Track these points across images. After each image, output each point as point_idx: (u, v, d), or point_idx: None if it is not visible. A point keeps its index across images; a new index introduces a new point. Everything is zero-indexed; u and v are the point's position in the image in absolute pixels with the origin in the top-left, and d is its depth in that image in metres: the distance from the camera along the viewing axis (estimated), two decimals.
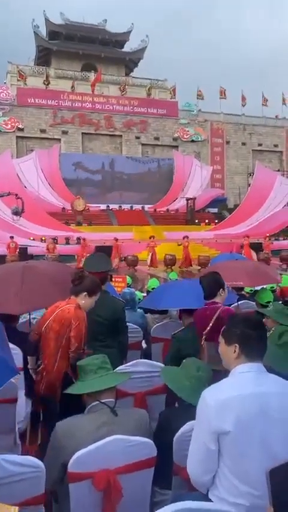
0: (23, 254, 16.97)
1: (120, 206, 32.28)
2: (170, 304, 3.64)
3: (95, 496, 1.83)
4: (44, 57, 41.44)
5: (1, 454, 1.78)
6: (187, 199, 30.13)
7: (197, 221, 28.94)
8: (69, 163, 32.88)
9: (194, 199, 29.87)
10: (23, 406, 3.28)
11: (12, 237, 17.67)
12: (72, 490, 1.81)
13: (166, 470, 2.09)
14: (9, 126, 33.17)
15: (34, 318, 4.14)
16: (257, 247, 19.80)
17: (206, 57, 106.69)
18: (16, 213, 15.51)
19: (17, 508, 1.08)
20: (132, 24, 43.50)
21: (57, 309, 2.83)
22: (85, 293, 2.86)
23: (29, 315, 4.01)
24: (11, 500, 1.63)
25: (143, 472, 1.92)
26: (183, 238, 18.32)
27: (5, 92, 33.69)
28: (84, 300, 2.85)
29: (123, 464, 1.85)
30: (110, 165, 34.77)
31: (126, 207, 32.27)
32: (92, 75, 37.60)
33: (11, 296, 3.22)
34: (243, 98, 39.58)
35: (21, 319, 3.93)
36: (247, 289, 5.76)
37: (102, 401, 1.98)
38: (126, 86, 37.65)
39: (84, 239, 18.74)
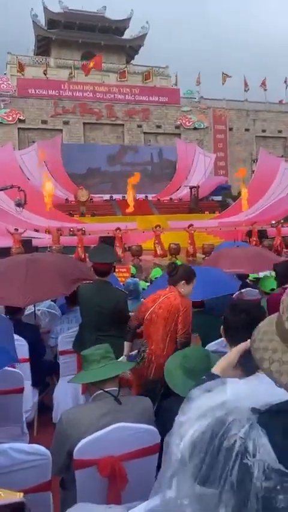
0: (28, 246, 17.01)
1: (124, 196, 32.17)
2: None
3: (100, 482, 1.87)
4: (43, 46, 41.01)
5: (8, 443, 1.83)
6: (190, 188, 29.98)
7: (201, 209, 28.82)
8: (71, 154, 32.74)
9: (197, 187, 29.71)
10: (29, 396, 3.34)
11: (16, 229, 17.73)
12: (78, 476, 1.86)
13: None
14: (10, 118, 33.04)
15: (39, 310, 4.19)
16: (261, 234, 19.73)
17: (207, 43, 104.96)
18: (19, 204, 15.56)
19: (22, 493, 1.11)
20: (132, 10, 42.87)
21: (160, 297, 2.98)
22: (183, 281, 3.00)
23: (34, 306, 4.05)
24: (19, 487, 1.67)
25: (148, 458, 1.96)
26: (188, 226, 18.27)
27: (5, 83, 33.50)
28: (183, 288, 3.00)
29: (127, 451, 1.89)
30: (113, 155, 34.56)
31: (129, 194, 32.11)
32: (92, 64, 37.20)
33: (15, 289, 3.25)
34: (246, 84, 39.07)
35: (27, 311, 3.97)
36: (251, 276, 5.77)
37: (106, 390, 2.01)
38: (128, 74, 37.22)
39: (80, 230, 18.72)
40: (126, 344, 3.12)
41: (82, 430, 1.89)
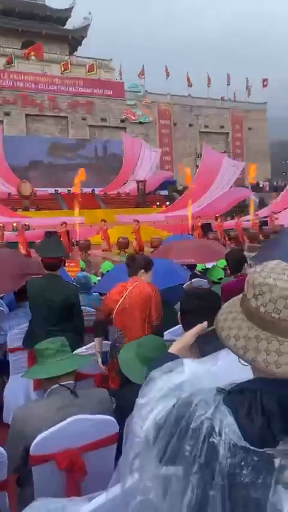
0: None
1: (69, 190, 31.57)
2: None
3: (58, 476, 1.85)
4: None
5: None
6: (137, 182, 30.12)
7: (148, 204, 29.06)
8: (13, 146, 31.52)
9: (144, 181, 29.91)
10: None
11: None
12: (35, 472, 1.82)
13: None
14: None
15: None
16: (206, 227, 20.29)
17: (152, 37, 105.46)
18: None
19: None
20: (74, 0, 41.93)
21: (127, 288, 3.02)
22: (142, 270, 3.12)
23: None
24: None
25: (107, 448, 1.96)
26: (134, 221, 18.35)
27: None
28: (143, 277, 3.11)
29: (86, 443, 1.88)
30: (57, 148, 33.78)
31: (75, 189, 31.59)
32: (33, 53, 35.98)
33: None
34: (188, 79, 39.81)
35: None
36: (199, 267, 5.93)
37: (62, 383, 1.98)
38: (71, 66, 36.44)
39: (23, 225, 18.19)
40: (97, 340, 3.09)
41: (37, 425, 1.85)
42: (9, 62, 33.36)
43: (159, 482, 0.91)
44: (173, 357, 1.19)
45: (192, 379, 1.00)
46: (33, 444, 1.78)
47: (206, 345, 1.20)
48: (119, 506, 1.02)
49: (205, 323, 1.30)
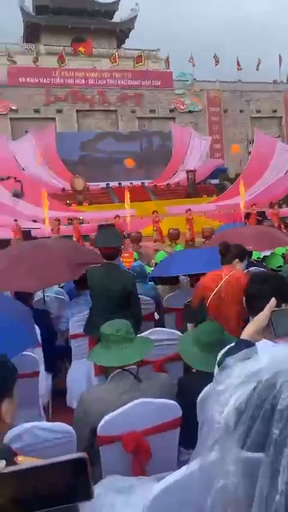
0: (27, 237, 16.97)
1: (120, 183, 31.97)
2: (180, 270, 3.67)
3: (124, 458, 1.90)
4: (32, 33, 40.21)
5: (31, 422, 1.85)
6: (187, 172, 29.78)
7: (198, 193, 28.69)
8: (66, 143, 32.41)
9: (194, 171, 29.51)
10: (43, 381, 3.36)
11: (16, 221, 17.68)
12: (103, 452, 1.89)
13: (190, 431, 2.16)
14: (2, 108, 32.60)
15: (47, 296, 4.20)
16: (260, 215, 19.69)
17: (199, 23, 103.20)
18: (16, 195, 15.51)
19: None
20: None
21: (223, 277, 3.02)
22: (237, 259, 3.10)
23: (43, 293, 4.06)
24: None
25: (169, 432, 1.98)
26: (186, 211, 18.22)
27: None
28: (238, 266, 3.11)
29: (150, 426, 1.91)
30: (105, 142, 34.23)
31: (125, 183, 31.95)
32: (83, 50, 36.56)
33: (24, 275, 3.25)
34: (238, 64, 38.54)
35: (36, 298, 3.98)
36: (255, 255, 5.77)
37: (126, 368, 2.02)
38: (119, 58, 36.60)
39: (77, 219, 18.69)
40: (189, 326, 3.18)
41: (102, 408, 1.90)
42: (62, 60, 34.15)
43: (244, 466, 0.90)
44: (247, 343, 1.17)
45: (270, 365, 0.97)
46: (100, 425, 1.84)
47: (280, 325, 1.17)
48: (195, 488, 1.02)
49: (273, 300, 1.26)
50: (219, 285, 3.00)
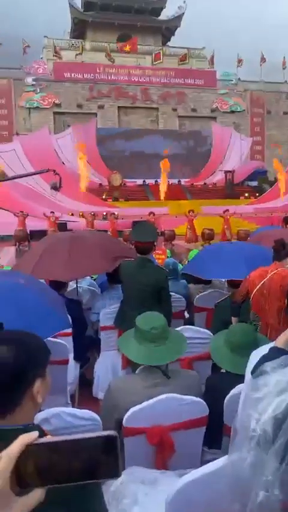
0: (63, 229, 17.29)
1: (156, 181, 31.96)
2: (216, 274, 3.61)
3: (148, 450, 1.90)
4: (79, 29, 40.82)
5: (60, 407, 1.89)
6: (225, 172, 29.38)
7: (236, 195, 28.24)
8: (105, 138, 32.76)
9: (232, 172, 29.07)
10: (72, 370, 3.42)
11: (52, 212, 18.08)
12: (127, 443, 1.90)
13: (215, 432, 2.13)
14: (46, 102, 33.31)
15: (80, 287, 4.26)
16: None
17: (246, 21, 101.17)
18: (54, 188, 15.83)
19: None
20: None
21: (267, 273, 3.05)
22: None
23: (76, 283, 4.12)
24: None
25: (195, 430, 1.97)
26: (224, 211, 17.94)
27: (42, 67, 33.72)
28: None
29: (176, 422, 1.90)
30: (144, 139, 34.28)
31: (160, 181, 31.89)
32: (128, 47, 36.75)
33: (60, 264, 3.32)
34: (284, 63, 37.54)
35: (69, 288, 4.05)
36: None
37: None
38: (163, 56, 36.53)
39: (112, 214, 18.83)
40: (234, 320, 3.19)
41: (130, 399, 1.91)
42: (110, 57, 34.55)
43: (284, 479, 0.87)
44: (282, 351, 1.15)
45: None
46: (125, 416, 1.85)
47: None
48: (220, 489, 1.01)
49: None
50: (263, 281, 3.00)
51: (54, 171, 17.83)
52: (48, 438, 0.62)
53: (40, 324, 1.92)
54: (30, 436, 0.60)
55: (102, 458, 0.59)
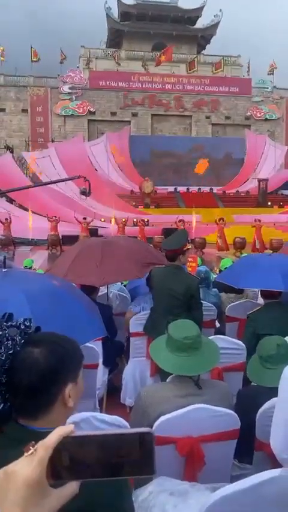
0: (94, 235, 17.54)
1: (188, 188, 31.90)
2: (251, 283, 3.53)
3: (177, 461, 1.86)
4: (115, 39, 41.59)
5: (90, 412, 1.88)
6: (259, 181, 28.96)
7: (269, 203, 27.75)
8: (138, 146, 33.06)
9: (266, 180, 28.62)
10: (100, 374, 3.43)
11: (85, 218, 18.37)
12: (156, 453, 1.86)
13: (246, 446, 2.07)
14: (81, 110, 34.06)
15: (111, 292, 4.28)
16: None
17: (284, 29, 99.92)
18: (83, 193, 16.19)
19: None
20: None
21: None
22: None
23: (107, 288, 4.15)
24: None
25: (226, 443, 1.92)
26: (255, 221, 17.69)
27: (78, 76, 34.55)
28: None
29: (207, 433, 1.86)
30: (177, 147, 34.33)
31: (193, 189, 31.82)
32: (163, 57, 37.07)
33: (91, 269, 3.34)
34: None
35: (100, 293, 4.07)
36: None
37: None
38: (198, 64, 36.60)
39: (142, 221, 18.90)
40: None
41: (162, 407, 1.89)
42: (146, 66, 35.09)
43: None
44: None
45: None
46: (155, 424, 1.82)
47: None
48: (259, 505, 0.97)
49: None
50: None
51: (84, 177, 18.12)
52: (84, 432, 0.61)
53: (78, 329, 1.93)
54: (67, 429, 0.60)
55: (137, 454, 0.58)
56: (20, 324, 1.05)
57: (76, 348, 1.12)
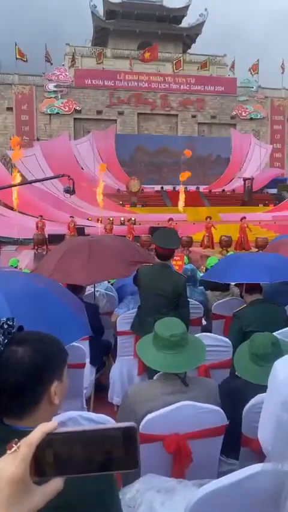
0: (81, 234, 17.48)
1: (174, 187, 31.97)
2: (236, 277, 3.55)
3: (164, 458, 1.87)
4: (101, 37, 41.41)
5: (76, 411, 1.88)
6: (244, 179, 29.22)
7: (254, 202, 28.03)
8: (124, 145, 33.00)
9: (251, 179, 28.90)
10: (87, 374, 3.42)
11: (72, 217, 18.26)
12: (143, 450, 1.87)
13: (232, 441, 2.09)
14: (67, 109, 33.83)
15: (98, 291, 4.27)
16: None
17: (269, 30, 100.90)
18: (68, 191, 16.11)
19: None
20: None
21: None
22: None
23: (94, 287, 4.13)
24: None
25: (213, 439, 1.93)
26: (241, 219, 17.85)
27: (63, 74, 34.29)
28: None
29: (193, 430, 1.87)
30: (163, 145, 34.36)
31: (180, 187, 31.86)
32: (148, 54, 37.06)
33: (78, 268, 3.33)
34: None
35: (86, 292, 4.06)
36: None
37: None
38: (184, 63, 36.70)
39: (130, 220, 18.89)
40: None
41: (148, 405, 1.89)
42: (132, 64, 35.01)
43: None
44: None
45: None
46: (142, 422, 1.83)
47: None
48: (244, 501, 0.98)
49: None
50: None
51: (68, 176, 18.01)
52: (67, 428, 0.61)
53: (62, 329, 1.91)
54: (51, 425, 0.60)
55: (121, 449, 0.58)
56: (2, 323, 1.05)
57: (60, 346, 1.12)
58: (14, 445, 0.60)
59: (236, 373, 2.37)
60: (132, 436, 0.60)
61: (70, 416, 1.83)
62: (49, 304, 2.04)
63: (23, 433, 0.97)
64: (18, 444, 0.60)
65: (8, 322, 1.06)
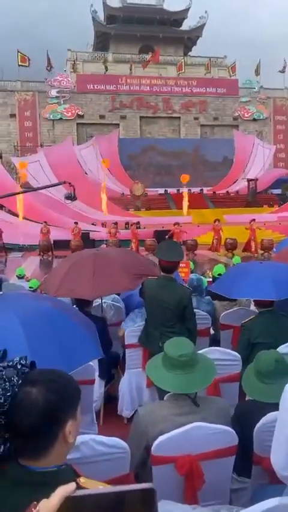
0: (86, 239, 17.49)
1: (178, 190, 31.94)
2: (244, 293, 3.54)
3: (177, 480, 1.87)
4: (102, 42, 41.60)
5: (89, 434, 1.88)
6: (248, 180, 29.15)
7: (259, 203, 27.93)
8: (128, 149, 33.05)
9: (255, 180, 28.82)
10: (97, 388, 3.42)
11: (76, 223, 18.27)
12: (155, 472, 1.87)
13: (244, 459, 2.09)
14: (69, 114, 33.96)
15: (105, 303, 4.28)
16: None
17: (270, 30, 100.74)
18: (68, 197, 16.21)
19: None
20: (191, 0, 42.12)
21: None
22: None
23: (101, 299, 4.14)
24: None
25: (224, 459, 1.93)
26: (250, 221, 17.52)
27: (65, 79, 34.45)
28: None
29: (205, 451, 1.87)
30: (166, 148, 34.37)
31: (184, 190, 31.85)
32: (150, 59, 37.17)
33: (84, 282, 3.34)
34: None
35: (94, 304, 4.07)
36: None
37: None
38: (185, 66, 36.75)
39: (134, 224, 18.83)
40: None
41: (159, 426, 1.89)
42: (133, 68, 35.12)
43: None
44: None
45: None
46: (155, 444, 1.83)
47: None
48: None
49: None
50: None
51: (69, 183, 18.07)
52: (86, 491, 0.62)
53: (75, 350, 1.93)
54: (69, 488, 0.61)
55: (139, 510, 0.59)
56: (16, 363, 1.05)
57: (73, 384, 1.12)
58: (33, 509, 0.60)
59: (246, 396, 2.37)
60: (150, 497, 0.60)
61: (84, 440, 1.83)
62: (62, 325, 2.05)
63: (39, 475, 0.98)
64: (38, 508, 0.60)
65: (21, 361, 1.07)
